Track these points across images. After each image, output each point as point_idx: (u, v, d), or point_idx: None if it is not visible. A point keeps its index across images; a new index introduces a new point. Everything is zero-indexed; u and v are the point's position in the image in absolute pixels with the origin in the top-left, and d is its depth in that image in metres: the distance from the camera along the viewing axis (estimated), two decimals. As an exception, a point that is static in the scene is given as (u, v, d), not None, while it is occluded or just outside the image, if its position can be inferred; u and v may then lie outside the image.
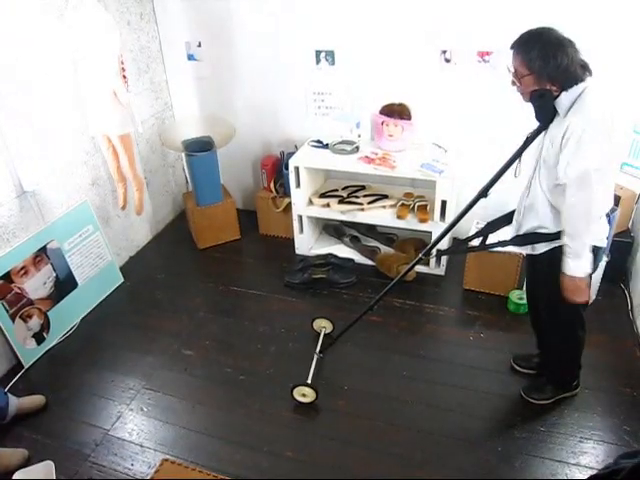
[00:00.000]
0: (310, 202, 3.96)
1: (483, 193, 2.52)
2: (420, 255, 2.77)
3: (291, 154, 3.94)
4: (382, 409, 2.86)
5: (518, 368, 3.05)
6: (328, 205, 3.86)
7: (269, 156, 4.29)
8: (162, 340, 3.39)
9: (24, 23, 3.05)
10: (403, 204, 3.78)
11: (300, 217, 3.99)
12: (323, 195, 3.95)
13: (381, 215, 3.81)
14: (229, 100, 4.30)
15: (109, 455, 2.71)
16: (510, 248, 2.64)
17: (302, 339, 3.35)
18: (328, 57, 3.78)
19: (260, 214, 4.43)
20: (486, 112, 3.59)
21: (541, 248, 2.39)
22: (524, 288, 3.05)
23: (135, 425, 2.87)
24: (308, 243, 4.14)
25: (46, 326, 3.38)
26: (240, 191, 4.59)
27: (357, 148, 3.79)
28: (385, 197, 3.93)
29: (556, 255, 2.27)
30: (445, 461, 2.57)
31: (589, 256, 2.18)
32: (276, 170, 4.26)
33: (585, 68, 2.13)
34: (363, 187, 4.05)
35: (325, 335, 3.26)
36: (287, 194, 4.11)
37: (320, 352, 3.10)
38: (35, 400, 2.96)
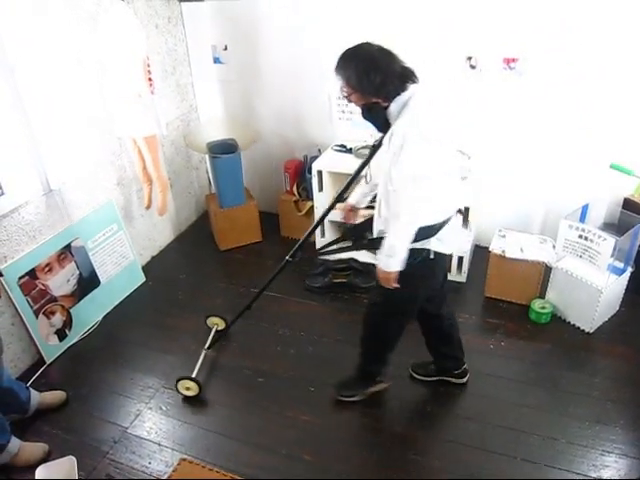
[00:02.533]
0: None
1: (339, 198, 2.63)
2: (287, 257, 2.92)
3: (314, 158, 3.95)
4: (402, 416, 2.85)
5: (417, 377, 3.06)
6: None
7: (292, 159, 4.31)
8: (182, 340, 3.41)
9: (57, 26, 3.10)
10: (426, 210, 3.75)
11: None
12: (346, 199, 3.93)
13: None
14: (253, 103, 4.32)
15: (127, 453, 2.73)
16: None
17: (322, 342, 3.35)
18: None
19: (282, 217, 4.44)
20: (511, 119, 3.57)
21: None
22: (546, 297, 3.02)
23: (153, 424, 2.89)
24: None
25: (68, 323, 3.42)
26: (263, 194, 4.61)
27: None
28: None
29: None
30: (462, 469, 2.54)
31: (401, 256, 2.20)
32: (299, 173, 4.27)
33: (406, 77, 2.15)
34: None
35: (217, 331, 3.40)
36: (309, 198, 4.12)
37: (208, 348, 3.24)
38: (56, 396, 3.00)
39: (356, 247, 2.66)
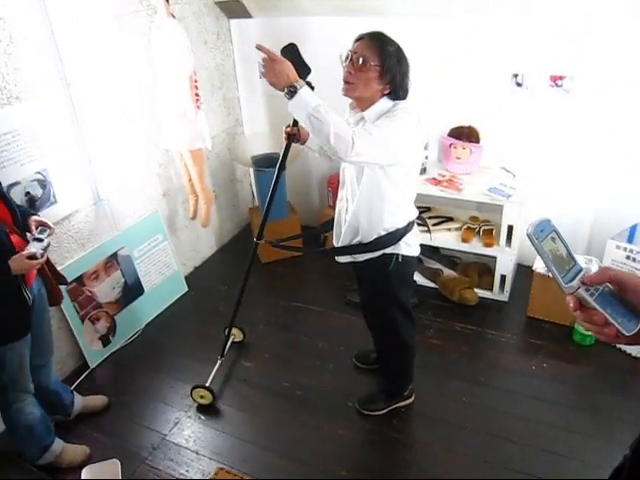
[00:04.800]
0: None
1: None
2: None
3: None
4: (439, 434, 2.81)
5: (359, 364, 3.24)
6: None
7: (336, 175, 4.30)
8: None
9: (111, 41, 3.21)
10: (468, 227, 3.73)
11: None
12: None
13: (446, 237, 3.77)
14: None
15: (165, 460, 2.76)
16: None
17: (360, 358, 3.33)
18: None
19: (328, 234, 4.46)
20: (557, 137, 3.51)
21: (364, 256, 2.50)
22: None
23: (192, 432, 2.92)
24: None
25: (112, 329, 3.50)
26: (305, 208, 4.64)
27: (424, 169, 3.77)
28: (450, 220, 3.89)
29: (377, 261, 2.44)
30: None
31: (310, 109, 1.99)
32: (342, 189, 4.27)
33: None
34: (428, 209, 4.02)
35: (233, 342, 3.44)
36: (351, 213, 4.13)
37: (222, 356, 3.24)
38: (98, 400, 3.06)
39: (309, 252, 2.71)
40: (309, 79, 2.30)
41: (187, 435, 2.90)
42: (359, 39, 2.20)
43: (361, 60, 2.14)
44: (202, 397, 3.05)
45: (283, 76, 1.99)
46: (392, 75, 2.16)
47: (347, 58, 2.18)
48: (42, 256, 2.22)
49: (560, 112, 3.43)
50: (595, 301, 0.91)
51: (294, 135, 2.52)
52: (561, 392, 3.02)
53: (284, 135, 2.54)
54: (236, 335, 3.48)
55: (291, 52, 2.35)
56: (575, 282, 0.92)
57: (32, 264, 2.17)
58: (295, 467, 2.67)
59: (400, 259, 2.44)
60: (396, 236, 2.38)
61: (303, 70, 2.32)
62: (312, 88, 2.34)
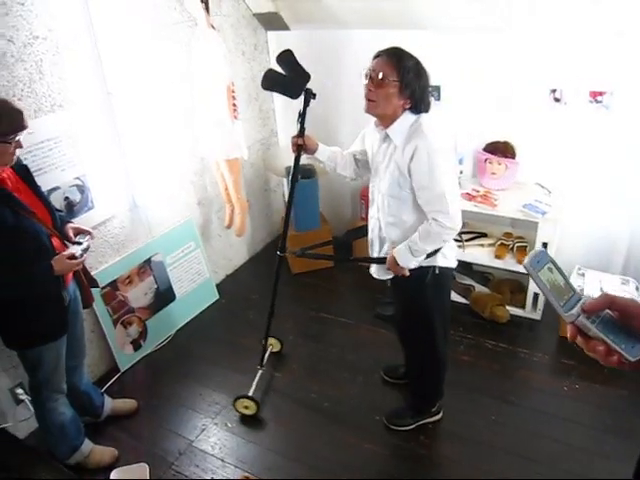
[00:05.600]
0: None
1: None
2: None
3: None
4: (467, 452, 2.77)
5: (388, 378, 3.22)
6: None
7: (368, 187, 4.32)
8: (251, 359, 3.42)
9: (151, 52, 3.28)
10: (502, 244, 3.69)
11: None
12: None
13: (479, 253, 3.73)
14: (333, 130, 4.38)
15: (191, 466, 2.78)
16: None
17: (388, 372, 3.31)
18: (434, 92, 3.76)
19: (355, 243, 4.44)
20: (595, 154, 3.45)
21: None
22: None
23: (218, 439, 2.93)
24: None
25: (143, 334, 3.54)
26: (337, 219, 4.64)
27: (458, 184, 3.73)
28: (484, 235, 3.85)
29: (413, 274, 2.42)
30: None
31: (421, 258, 2.35)
32: (374, 201, 4.27)
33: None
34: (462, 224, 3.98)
35: (271, 352, 3.43)
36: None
37: (262, 365, 3.23)
38: (127, 403, 3.11)
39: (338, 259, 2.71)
40: (310, 85, 2.44)
41: (213, 442, 2.92)
42: (377, 56, 2.23)
43: (380, 76, 2.16)
44: (246, 407, 3.04)
45: (401, 269, 2.38)
46: (412, 90, 2.18)
47: (367, 76, 2.21)
48: (82, 257, 2.28)
49: (599, 128, 3.38)
50: (596, 328, 0.91)
51: (301, 146, 2.55)
52: (593, 415, 2.95)
53: (292, 146, 2.58)
54: (274, 345, 3.49)
55: (287, 59, 2.38)
56: (575, 310, 0.92)
57: (72, 264, 2.24)
58: (321, 478, 2.65)
59: (437, 271, 2.44)
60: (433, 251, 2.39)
61: (301, 77, 2.35)
62: (313, 96, 2.40)
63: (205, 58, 3.30)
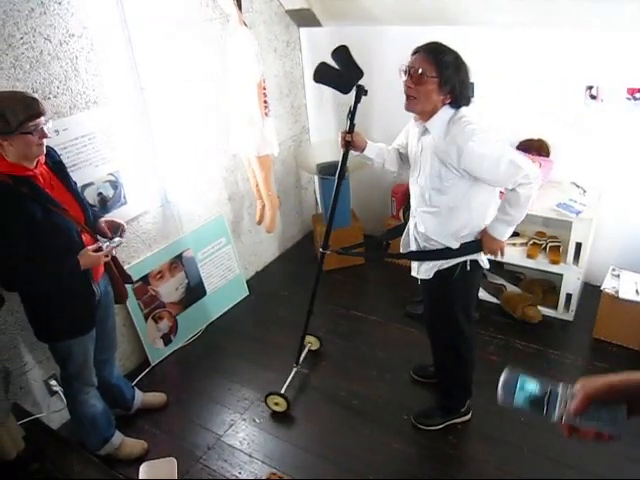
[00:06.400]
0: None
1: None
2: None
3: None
4: (495, 453, 2.73)
5: (417, 378, 3.21)
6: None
7: (401, 184, 4.29)
8: (280, 355, 3.45)
9: (184, 49, 3.31)
10: (535, 243, 3.62)
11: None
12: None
13: (510, 253, 3.67)
14: (365, 126, 4.33)
15: (219, 460, 2.80)
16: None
17: (418, 371, 3.28)
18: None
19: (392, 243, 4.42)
20: (633, 153, 3.36)
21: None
22: None
23: (246, 435, 2.95)
24: (432, 274, 4.07)
25: (174, 329, 3.58)
26: (368, 217, 4.62)
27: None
28: (516, 234, 3.78)
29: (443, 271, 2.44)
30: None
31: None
32: (406, 199, 4.24)
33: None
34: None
35: (309, 350, 3.44)
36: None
37: (298, 364, 3.23)
38: (157, 397, 3.15)
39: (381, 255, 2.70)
40: (362, 82, 2.39)
41: (241, 437, 2.93)
42: (415, 52, 2.20)
43: (419, 73, 2.14)
44: (277, 404, 3.06)
45: (499, 243, 2.38)
46: (452, 85, 2.15)
47: (405, 72, 2.18)
48: (108, 248, 2.32)
49: (636, 126, 3.29)
50: (581, 423, 0.95)
51: (349, 142, 2.53)
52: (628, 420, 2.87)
53: (340, 141, 2.56)
54: (312, 343, 3.49)
55: (342, 54, 2.37)
56: (557, 412, 0.96)
57: (98, 256, 2.27)
58: (345, 476, 2.65)
59: (468, 267, 2.43)
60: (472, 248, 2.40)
61: (354, 73, 2.33)
62: (365, 92, 2.38)
63: (237, 55, 3.31)
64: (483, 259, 2.49)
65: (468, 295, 2.58)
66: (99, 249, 2.28)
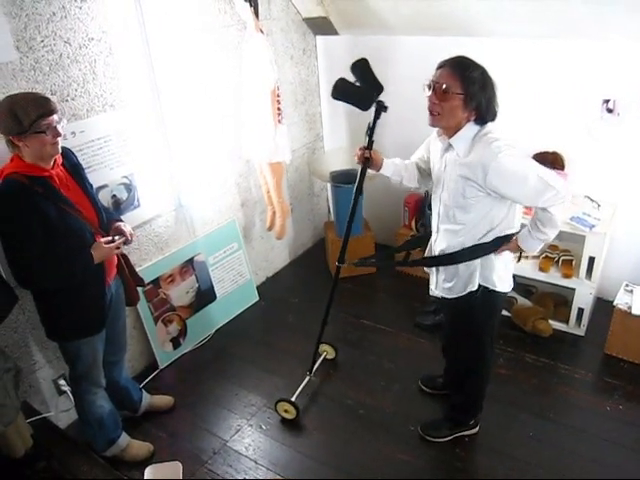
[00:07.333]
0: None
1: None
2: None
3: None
4: (502, 467, 2.71)
5: (425, 389, 3.17)
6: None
7: (413, 194, 4.29)
8: (288, 362, 3.46)
9: (200, 54, 3.34)
10: (547, 256, 3.60)
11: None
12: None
13: (522, 265, 3.65)
14: (379, 136, 4.29)
15: (224, 465, 2.80)
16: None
17: (426, 381, 3.27)
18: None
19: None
20: (650, 168, 3.35)
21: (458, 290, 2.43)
22: None
23: (252, 440, 2.95)
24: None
25: (183, 333, 3.59)
26: (380, 226, 4.61)
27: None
28: (529, 247, 3.76)
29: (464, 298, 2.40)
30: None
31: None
32: (419, 209, 4.24)
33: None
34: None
35: (324, 359, 3.44)
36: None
37: (311, 373, 3.22)
38: (164, 400, 3.15)
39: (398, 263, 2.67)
40: (382, 97, 2.35)
41: (247, 443, 2.93)
42: (440, 66, 2.15)
43: (443, 88, 2.09)
44: (286, 411, 3.06)
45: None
46: (477, 102, 2.09)
47: (430, 87, 2.13)
48: (119, 240, 2.35)
49: (653, 141, 3.27)
50: None
51: (367, 159, 2.51)
52: (637, 437, 2.84)
53: (356, 155, 2.53)
54: (328, 352, 3.49)
55: (361, 67, 2.33)
56: None
57: (110, 247, 2.30)
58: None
59: (489, 290, 2.38)
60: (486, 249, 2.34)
61: (374, 88, 2.30)
62: (385, 109, 2.34)
63: (252, 62, 3.33)
64: (505, 285, 2.43)
65: (491, 317, 2.52)
66: (112, 241, 2.31)
